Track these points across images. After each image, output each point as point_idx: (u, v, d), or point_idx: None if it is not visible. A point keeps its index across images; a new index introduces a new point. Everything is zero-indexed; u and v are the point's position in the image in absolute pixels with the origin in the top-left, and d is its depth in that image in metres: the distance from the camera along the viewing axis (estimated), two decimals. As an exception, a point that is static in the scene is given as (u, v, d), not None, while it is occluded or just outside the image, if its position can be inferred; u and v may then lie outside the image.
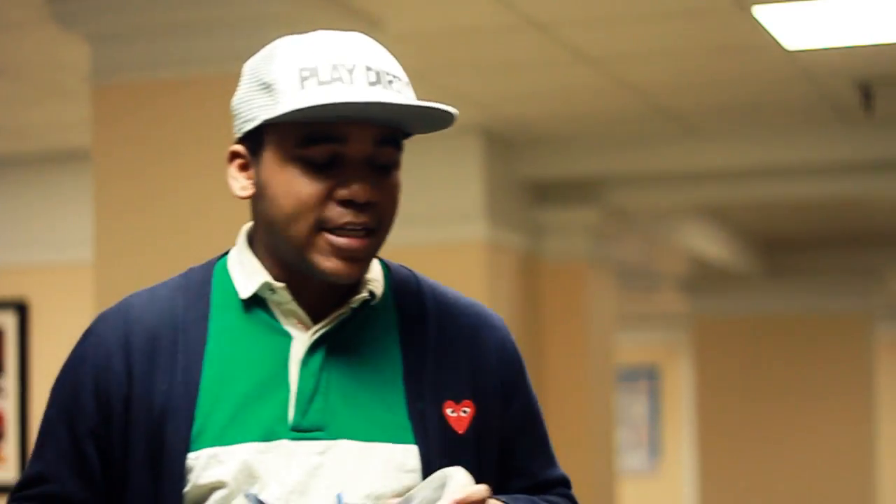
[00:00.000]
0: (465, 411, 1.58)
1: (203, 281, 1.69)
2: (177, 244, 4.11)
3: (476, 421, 1.64)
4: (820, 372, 10.47)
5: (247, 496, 1.55)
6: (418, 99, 1.62)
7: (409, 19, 4.47)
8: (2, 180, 6.55)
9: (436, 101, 1.59)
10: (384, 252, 1.69)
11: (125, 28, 4.17)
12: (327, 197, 1.58)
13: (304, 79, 1.57)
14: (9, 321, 6.41)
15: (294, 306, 1.63)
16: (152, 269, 4.15)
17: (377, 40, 1.68)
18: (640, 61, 5.22)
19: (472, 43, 4.85)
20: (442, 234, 6.07)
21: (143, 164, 4.18)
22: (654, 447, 15.46)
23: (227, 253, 1.72)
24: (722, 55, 5.16)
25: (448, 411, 1.64)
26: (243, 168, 1.65)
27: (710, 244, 9.15)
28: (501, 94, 5.66)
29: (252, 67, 1.65)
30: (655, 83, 5.57)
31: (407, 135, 1.65)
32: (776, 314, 10.56)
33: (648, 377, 15.45)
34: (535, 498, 1.70)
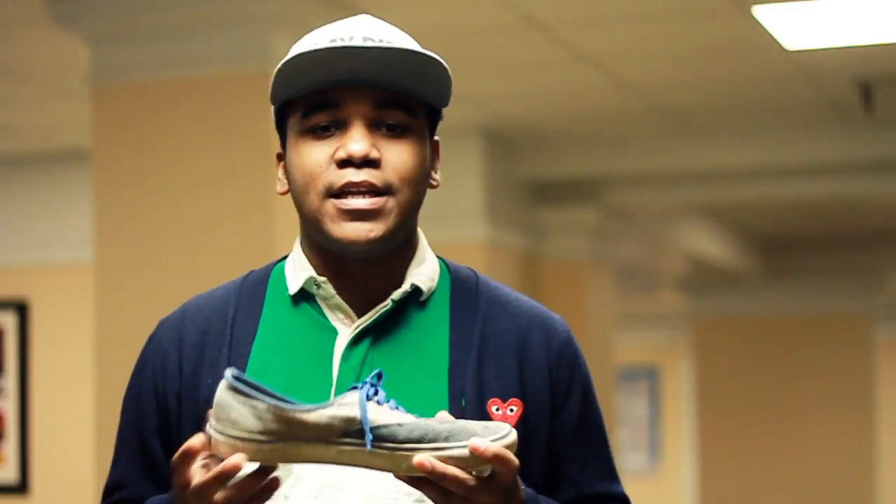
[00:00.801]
0: (511, 410, 1.55)
1: (260, 280, 1.72)
2: (177, 244, 4.11)
3: (524, 421, 1.61)
4: (820, 372, 10.47)
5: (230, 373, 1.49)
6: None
7: (409, 19, 4.47)
8: (2, 180, 6.55)
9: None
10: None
11: (125, 28, 4.17)
12: (330, 162, 1.59)
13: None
14: (9, 321, 6.41)
15: (339, 300, 1.64)
16: (152, 268, 4.17)
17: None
18: (640, 61, 5.22)
19: (472, 43, 4.85)
20: (442, 234, 6.06)
21: (143, 164, 4.18)
22: (654, 447, 15.46)
23: (288, 255, 1.74)
24: (722, 55, 5.16)
25: (493, 409, 1.61)
26: (284, 167, 1.68)
27: (709, 244, 9.15)
28: (501, 94, 5.66)
29: None
30: (655, 83, 5.57)
31: (432, 110, 1.65)
32: (776, 314, 10.57)
33: (648, 377, 15.45)
34: None
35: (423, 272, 1.67)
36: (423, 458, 1.42)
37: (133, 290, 4.15)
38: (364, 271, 1.63)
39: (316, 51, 1.57)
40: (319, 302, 1.66)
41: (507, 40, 4.85)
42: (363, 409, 1.44)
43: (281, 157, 1.69)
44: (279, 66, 1.58)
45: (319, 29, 1.66)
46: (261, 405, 1.44)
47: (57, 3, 4.18)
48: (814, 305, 10.47)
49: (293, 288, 1.67)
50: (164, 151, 4.16)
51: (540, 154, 6.63)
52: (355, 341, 1.63)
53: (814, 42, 4.94)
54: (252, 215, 4.01)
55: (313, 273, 1.65)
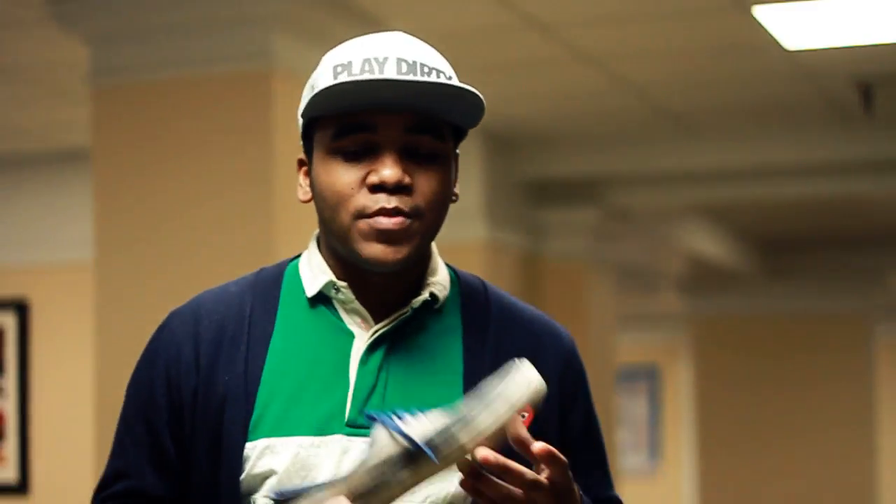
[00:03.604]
0: (523, 416, 1.54)
1: (274, 279, 1.73)
2: (177, 244, 4.11)
3: (533, 428, 1.59)
4: (819, 372, 10.47)
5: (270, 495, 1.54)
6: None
7: (409, 19, 4.47)
8: (2, 180, 6.55)
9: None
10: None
11: (125, 28, 4.17)
12: (361, 185, 1.61)
13: (337, 74, 1.62)
14: (9, 321, 6.41)
15: (357, 305, 1.66)
16: (152, 268, 4.16)
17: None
18: (640, 61, 5.22)
19: (472, 43, 4.85)
20: (442, 234, 6.06)
21: (143, 164, 4.18)
22: (654, 448, 15.45)
23: (300, 255, 1.76)
24: (722, 55, 5.16)
25: None
26: (307, 174, 1.70)
27: (709, 244, 9.15)
28: (501, 94, 5.66)
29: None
30: (655, 83, 5.57)
31: (458, 129, 1.67)
32: (776, 314, 10.57)
33: (648, 377, 15.44)
34: None
35: (439, 280, 1.70)
36: (487, 453, 1.44)
37: (133, 290, 4.15)
38: (383, 281, 1.66)
39: (354, 82, 1.58)
40: (337, 305, 1.68)
41: (507, 40, 4.86)
42: (402, 433, 1.46)
43: (302, 164, 1.72)
44: (316, 91, 1.60)
45: (352, 42, 1.67)
46: (318, 495, 1.48)
47: (57, 3, 4.18)
48: (813, 306, 10.47)
49: (311, 290, 1.68)
50: (163, 151, 4.16)
51: (540, 154, 6.63)
52: (373, 346, 1.65)
53: (814, 42, 4.94)
54: (252, 215, 4.01)
55: (333, 277, 1.67)
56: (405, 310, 1.66)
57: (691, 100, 5.88)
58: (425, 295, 1.67)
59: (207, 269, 4.04)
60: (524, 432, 1.47)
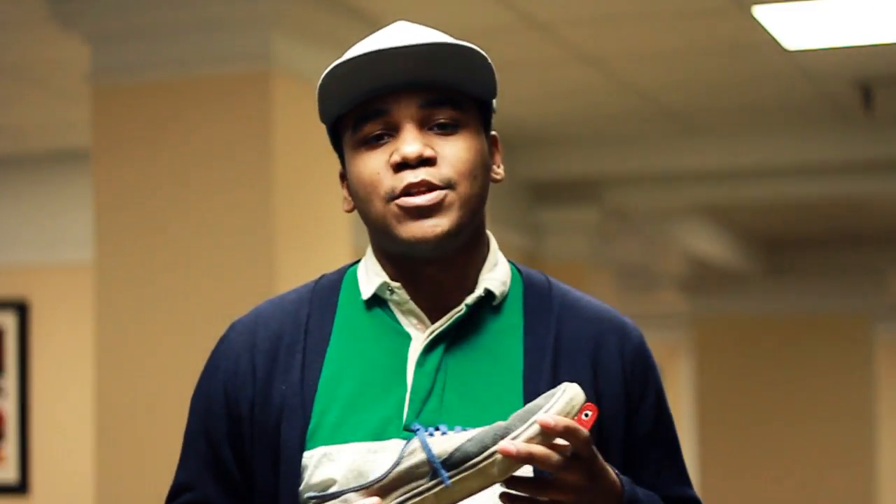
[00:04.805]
0: (586, 415, 1.51)
1: (333, 285, 1.71)
2: (177, 244, 4.11)
3: (598, 425, 1.58)
4: (820, 372, 10.47)
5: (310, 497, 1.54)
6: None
7: (409, 19, 4.46)
8: (2, 180, 6.55)
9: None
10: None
11: (125, 28, 4.17)
12: (387, 168, 1.60)
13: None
14: (9, 321, 6.41)
15: (412, 306, 1.63)
16: (152, 269, 4.16)
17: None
18: (640, 61, 5.22)
19: (471, 43, 4.85)
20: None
21: (143, 164, 4.17)
22: (655, 447, 15.46)
23: (360, 260, 1.74)
24: (722, 55, 5.16)
25: None
26: (346, 185, 1.68)
27: (710, 244, 9.15)
28: (501, 94, 5.64)
29: None
30: (655, 83, 5.57)
31: (482, 104, 1.66)
32: (776, 314, 10.57)
33: (648, 377, 15.45)
34: None
35: (496, 276, 1.67)
36: (505, 443, 1.42)
37: (133, 291, 4.14)
38: (437, 276, 1.62)
39: (353, 59, 1.58)
40: (392, 307, 1.65)
41: (507, 40, 4.85)
42: (427, 448, 1.46)
43: (343, 177, 1.69)
44: (320, 80, 1.59)
45: (359, 43, 1.66)
46: (351, 496, 1.48)
47: (57, 3, 4.18)
48: (814, 305, 10.47)
49: (366, 293, 1.66)
50: (164, 151, 4.16)
51: (540, 154, 6.63)
52: (430, 347, 1.62)
53: (814, 42, 4.93)
54: (252, 215, 4.01)
55: (386, 278, 1.64)
56: (459, 308, 1.62)
57: (691, 100, 5.88)
58: (479, 291, 1.63)
59: (207, 269, 4.04)
60: (544, 417, 1.45)
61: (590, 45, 4.96)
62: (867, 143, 6.38)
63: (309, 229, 4.15)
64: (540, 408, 1.46)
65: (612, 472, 1.53)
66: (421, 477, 1.46)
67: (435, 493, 1.46)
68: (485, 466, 1.44)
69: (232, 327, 1.71)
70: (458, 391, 1.60)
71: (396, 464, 1.47)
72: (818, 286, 10.46)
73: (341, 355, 1.64)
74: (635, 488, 1.58)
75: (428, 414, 1.58)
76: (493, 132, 1.70)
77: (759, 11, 4.51)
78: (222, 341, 1.71)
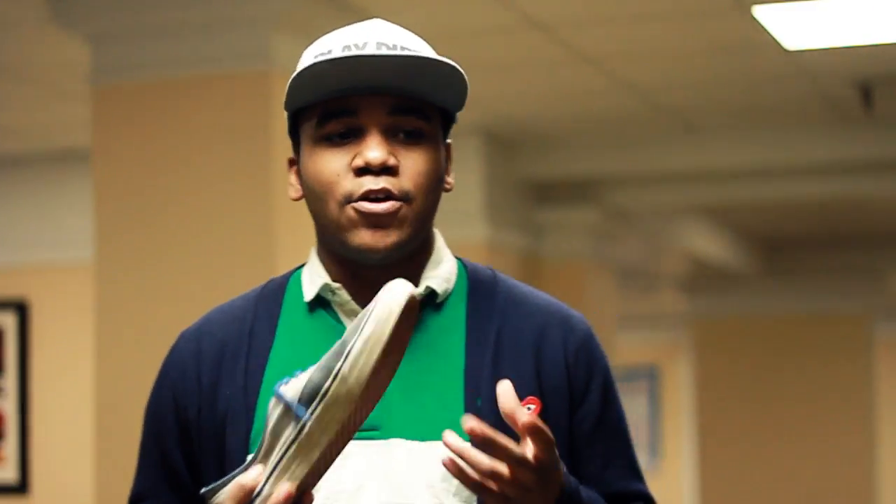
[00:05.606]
0: (529, 408, 1.51)
1: (278, 288, 1.71)
2: (177, 244, 4.11)
3: (542, 419, 1.55)
4: (820, 372, 10.47)
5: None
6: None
7: (409, 19, 4.46)
8: (2, 180, 6.55)
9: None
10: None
11: (125, 28, 4.17)
12: (347, 171, 1.59)
13: (317, 60, 1.60)
14: (9, 321, 6.41)
15: (354, 306, 1.63)
16: (152, 269, 4.16)
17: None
18: (640, 61, 5.22)
19: (472, 43, 4.85)
20: (442, 234, 6.07)
21: (143, 164, 4.18)
22: (654, 447, 15.45)
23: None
24: (722, 55, 5.16)
25: None
26: (297, 172, 1.68)
27: (710, 244, 9.15)
28: (501, 94, 5.66)
29: None
30: (655, 83, 5.57)
31: (446, 114, 1.66)
32: (776, 314, 10.57)
33: (648, 377, 15.44)
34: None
35: (439, 274, 1.67)
36: (472, 423, 1.40)
37: (133, 291, 4.14)
38: (379, 277, 1.61)
39: (332, 60, 1.56)
40: (335, 308, 1.65)
41: (507, 40, 4.85)
42: (279, 394, 1.45)
43: (293, 163, 1.69)
44: (294, 74, 1.58)
45: (332, 34, 1.65)
46: (239, 476, 1.47)
47: (57, 3, 4.18)
48: (814, 305, 10.47)
49: (308, 295, 1.66)
50: (164, 151, 4.16)
51: (540, 154, 6.63)
52: None
53: (814, 42, 4.94)
54: (252, 215, 4.01)
55: (328, 279, 1.65)
56: None
57: (691, 100, 5.88)
58: (421, 290, 1.64)
59: (207, 269, 4.04)
60: (512, 403, 1.43)
61: (590, 46, 4.96)
62: (867, 143, 6.38)
63: (309, 230, 4.14)
64: (371, 311, 1.44)
65: (561, 471, 1.52)
66: (288, 427, 1.45)
67: (307, 435, 1.44)
68: (336, 387, 1.42)
69: (181, 336, 1.73)
70: (398, 390, 1.59)
71: (266, 426, 1.47)
72: (818, 286, 10.45)
73: (284, 358, 1.64)
74: (580, 488, 1.57)
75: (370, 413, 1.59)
76: (449, 140, 1.70)
77: (759, 11, 4.51)
78: (171, 351, 1.73)
